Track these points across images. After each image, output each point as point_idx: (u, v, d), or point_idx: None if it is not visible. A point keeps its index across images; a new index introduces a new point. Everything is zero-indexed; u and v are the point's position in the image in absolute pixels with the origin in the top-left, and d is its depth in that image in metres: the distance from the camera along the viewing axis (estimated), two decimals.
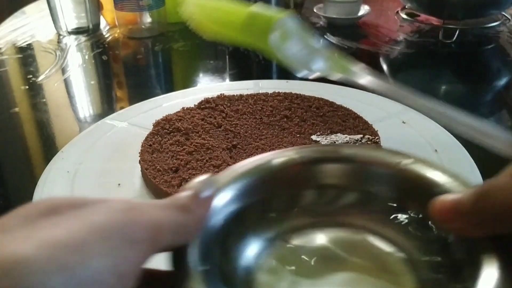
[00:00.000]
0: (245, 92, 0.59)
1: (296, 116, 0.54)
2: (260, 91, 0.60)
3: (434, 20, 0.89)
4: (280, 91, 0.59)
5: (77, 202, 0.20)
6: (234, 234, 0.26)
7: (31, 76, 0.76)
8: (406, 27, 0.91)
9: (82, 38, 0.90)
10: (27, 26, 0.98)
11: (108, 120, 0.58)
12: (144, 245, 0.19)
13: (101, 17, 0.95)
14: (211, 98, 0.57)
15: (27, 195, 0.45)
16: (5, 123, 0.65)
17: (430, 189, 0.25)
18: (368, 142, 0.48)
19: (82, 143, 0.54)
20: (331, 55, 0.29)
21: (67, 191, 0.46)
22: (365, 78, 0.28)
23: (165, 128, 0.52)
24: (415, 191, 0.27)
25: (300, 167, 0.29)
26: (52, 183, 0.47)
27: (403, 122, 0.54)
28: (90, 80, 0.77)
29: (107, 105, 0.71)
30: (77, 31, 0.91)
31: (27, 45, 0.89)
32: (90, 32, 0.92)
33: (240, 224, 0.27)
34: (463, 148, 0.48)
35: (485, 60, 0.83)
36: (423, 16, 0.92)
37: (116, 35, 0.91)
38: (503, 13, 0.90)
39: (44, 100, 0.69)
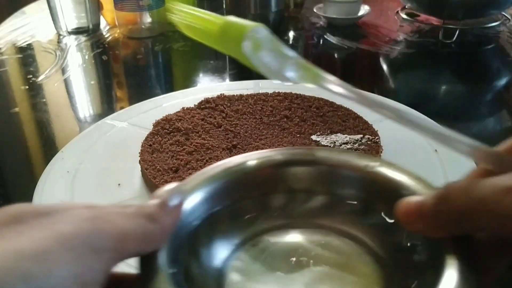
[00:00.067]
0: (245, 92, 0.59)
1: (296, 116, 0.54)
2: (260, 91, 0.60)
3: (434, 20, 0.89)
4: (280, 91, 0.59)
5: (41, 210, 0.20)
6: (204, 237, 0.27)
7: (31, 76, 0.76)
8: (406, 27, 0.91)
9: (82, 38, 0.90)
10: (27, 26, 0.98)
11: (108, 120, 0.58)
12: (109, 254, 0.19)
13: (101, 17, 0.95)
14: (211, 98, 0.57)
15: (27, 195, 0.45)
16: (5, 123, 0.65)
17: (396, 191, 0.26)
18: (368, 142, 0.48)
19: (82, 143, 0.54)
20: (303, 64, 0.30)
21: (67, 191, 0.46)
22: (337, 87, 0.28)
23: (165, 128, 0.52)
24: (382, 193, 0.27)
25: (270, 170, 0.29)
26: (52, 183, 0.47)
27: None
28: (90, 80, 0.77)
29: (107, 105, 0.71)
30: (77, 31, 0.91)
31: (27, 45, 0.89)
32: (90, 32, 0.92)
33: (210, 227, 0.27)
34: None
35: (485, 60, 0.83)
36: (423, 16, 0.92)
37: (116, 35, 0.91)
38: (503, 13, 0.90)
39: (44, 100, 0.69)
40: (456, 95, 0.72)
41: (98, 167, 0.50)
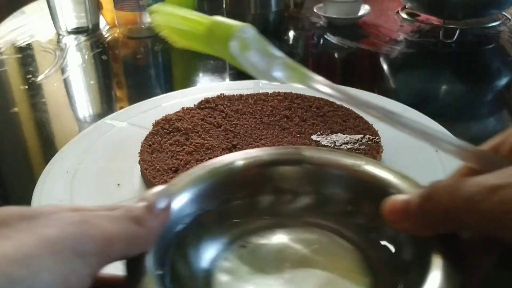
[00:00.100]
0: (245, 92, 0.59)
1: (296, 116, 0.54)
2: (260, 91, 0.60)
3: (434, 20, 0.89)
4: (280, 91, 0.59)
5: (27, 214, 0.20)
6: (192, 238, 0.27)
7: (30, 76, 0.76)
8: (407, 27, 0.91)
9: (82, 38, 0.90)
10: (27, 26, 0.97)
11: (107, 120, 0.58)
12: (95, 258, 0.19)
13: (101, 17, 0.95)
14: (211, 98, 0.57)
15: (26, 195, 0.45)
16: (4, 123, 0.64)
17: (382, 190, 0.27)
18: (369, 142, 0.48)
19: (81, 143, 0.53)
20: (291, 64, 0.30)
21: (66, 191, 0.46)
22: (324, 86, 0.29)
23: (164, 128, 0.52)
24: (369, 191, 0.28)
25: (257, 170, 0.30)
26: (52, 183, 0.47)
27: None
28: (90, 80, 0.77)
29: (107, 105, 0.71)
30: (77, 31, 0.91)
31: (26, 45, 0.89)
32: (89, 32, 0.91)
33: (198, 227, 0.27)
34: None
35: (486, 60, 0.83)
36: (423, 16, 0.92)
37: (116, 34, 0.91)
38: (504, 13, 0.90)
39: (44, 100, 0.69)
40: (457, 95, 0.71)
41: (98, 167, 0.50)
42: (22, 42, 0.90)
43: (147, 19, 0.88)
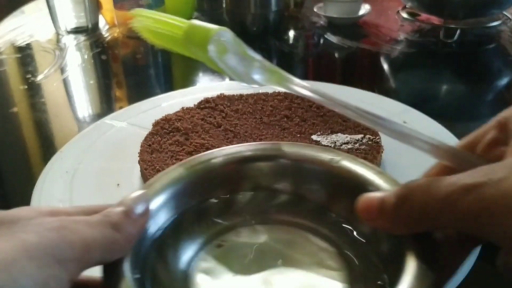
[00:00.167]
0: (245, 92, 0.59)
1: (296, 116, 0.54)
2: (260, 91, 0.59)
3: (435, 20, 0.89)
4: (280, 91, 0.59)
5: (7, 218, 0.20)
6: (171, 239, 0.27)
7: (30, 75, 0.76)
8: (407, 27, 0.91)
9: (81, 37, 0.90)
10: (26, 26, 0.97)
11: (107, 120, 0.58)
12: (74, 263, 0.20)
13: (100, 17, 0.94)
14: (211, 97, 0.57)
15: (25, 196, 0.45)
16: (3, 123, 0.64)
17: (360, 186, 0.27)
18: (369, 142, 0.48)
19: (81, 143, 0.53)
20: (269, 67, 0.30)
21: (65, 191, 0.46)
22: (303, 89, 0.29)
23: (164, 128, 0.51)
24: (346, 187, 0.28)
25: (234, 166, 0.30)
26: (51, 183, 0.46)
27: (404, 122, 0.53)
28: (89, 80, 0.77)
29: (106, 105, 0.71)
30: (76, 31, 0.91)
31: (26, 44, 0.88)
32: (89, 31, 0.91)
33: (177, 228, 0.27)
34: None
35: (486, 60, 0.83)
36: (424, 16, 0.91)
37: (116, 34, 0.91)
38: (504, 12, 0.90)
39: (43, 100, 0.69)
40: (457, 95, 0.71)
41: (97, 167, 0.49)
42: (21, 41, 0.89)
43: None
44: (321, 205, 0.29)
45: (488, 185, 0.19)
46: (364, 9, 0.91)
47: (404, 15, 0.93)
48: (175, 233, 0.27)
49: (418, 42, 0.86)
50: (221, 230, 0.29)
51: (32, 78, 0.74)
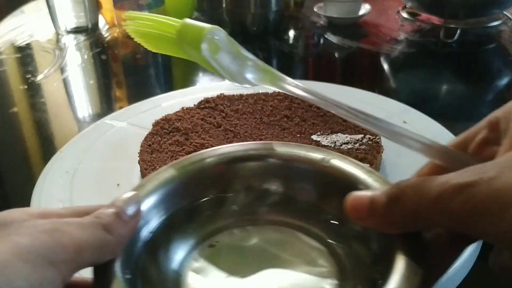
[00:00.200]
0: (245, 92, 0.59)
1: (296, 116, 0.54)
2: (260, 91, 0.59)
3: (435, 20, 0.89)
4: (281, 91, 0.58)
5: (1, 221, 0.21)
6: (163, 239, 0.27)
7: (29, 75, 0.76)
8: (407, 27, 0.91)
9: (81, 37, 0.89)
10: (26, 26, 0.97)
11: (107, 120, 0.58)
12: (66, 265, 0.20)
13: (100, 16, 0.94)
14: (211, 97, 0.57)
15: (25, 196, 0.45)
16: (3, 123, 0.64)
17: (350, 185, 0.27)
18: (369, 142, 0.48)
19: (81, 143, 0.53)
20: (262, 66, 0.30)
21: (65, 192, 0.46)
22: (295, 88, 0.29)
23: (164, 128, 0.51)
24: (337, 187, 0.28)
25: (225, 166, 0.30)
26: (51, 183, 0.46)
27: (404, 122, 0.53)
28: (89, 80, 0.77)
29: (106, 105, 0.71)
30: (76, 31, 0.91)
31: (25, 44, 0.88)
32: (89, 31, 0.91)
33: (168, 228, 0.27)
34: None
35: (486, 60, 0.83)
36: (424, 16, 0.91)
37: (115, 34, 0.91)
38: (505, 12, 0.90)
39: (43, 100, 0.69)
40: (457, 95, 0.71)
41: (97, 167, 0.49)
42: (21, 41, 0.89)
43: None
44: (312, 205, 0.29)
45: (479, 184, 0.19)
46: (364, 9, 0.91)
47: (404, 15, 0.93)
48: (167, 233, 0.27)
49: (418, 42, 0.86)
50: (212, 230, 0.29)
51: (32, 78, 0.74)
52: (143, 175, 0.47)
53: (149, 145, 0.49)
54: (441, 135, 0.50)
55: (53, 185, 0.46)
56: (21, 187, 0.52)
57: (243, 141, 0.50)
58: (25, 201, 0.44)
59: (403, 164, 0.45)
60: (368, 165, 0.44)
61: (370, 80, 0.77)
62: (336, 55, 0.84)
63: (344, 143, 0.48)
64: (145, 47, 0.34)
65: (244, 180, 0.30)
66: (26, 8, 1.08)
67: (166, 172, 0.28)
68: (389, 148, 0.48)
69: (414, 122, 0.53)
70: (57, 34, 0.91)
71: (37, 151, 0.60)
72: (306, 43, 0.91)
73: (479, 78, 0.74)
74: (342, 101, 0.29)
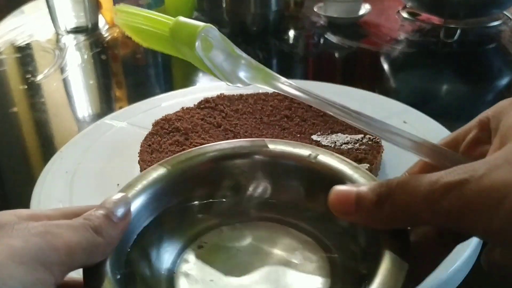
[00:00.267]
0: (245, 92, 0.59)
1: (296, 116, 0.54)
2: (260, 91, 0.59)
3: (435, 20, 0.89)
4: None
5: None
6: (154, 239, 0.27)
7: (29, 75, 0.76)
8: (407, 26, 0.91)
9: (81, 37, 0.89)
10: (26, 26, 0.97)
11: (107, 120, 0.58)
12: (58, 267, 0.20)
13: (100, 16, 0.94)
14: (211, 97, 0.57)
15: (25, 196, 0.45)
16: (3, 123, 0.64)
17: (336, 180, 0.27)
18: (369, 142, 0.48)
19: (81, 143, 0.53)
20: (255, 65, 0.30)
21: (65, 192, 0.46)
22: (288, 87, 0.29)
23: (164, 128, 0.51)
24: (325, 182, 0.28)
25: (213, 164, 0.30)
26: (51, 184, 0.46)
27: (404, 122, 0.53)
28: (89, 80, 0.77)
29: (106, 104, 0.71)
30: (76, 31, 0.91)
31: (25, 44, 0.88)
32: (89, 31, 0.91)
33: (159, 228, 0.28)
34: None
35: (487, 60, 0.83)
36: (424, 15, 0.91)
37: (115, 34, 0.91)
38: (505, 12, 0.90)
39: (43, 100, 0.69)
40: (457, 94, 0.71)
41: (97, 167, 0.49)
42: (21, 41, 0.89)
43: None
44: (300, 200, 0.30)
45: (469, 182, 0.19)
46: (364, 9, 0.91)
47: (405, 15, 0.93)
48: (157, 233, 0.27)
49: (418, 42, 0.86)
50: (203, 229, 0.29)
51: (32, 78, 0.74)
52: None
53: (149, 145, 0.49)
54: (441, 135, 0.50)
55: (53, 185, 0.46)
56: (21, 187, 0.52)
57: None
58: (25, 201, 0.44)
59: (403, 164, 0.45)
60: (368, 165, 0.44)
61: (370, 80, 0.77)
62: (336, 55, 0.84)
63: (344, 143, 0.48)
64: (136, 41, 0.34)
65: (233, 177, 0.30)
66: (26, 8, 1.08)
67: (155, 172, 0.28)
68: (389, 148, 0.48)
69: (414, 122, 0.53)
70: (57, 34, 0.91)
71: (37, 151, 0.60)
72: (306, 43, 0.91)
73: (479, 78, 0.74)
74: (342, 101, 0.29)
